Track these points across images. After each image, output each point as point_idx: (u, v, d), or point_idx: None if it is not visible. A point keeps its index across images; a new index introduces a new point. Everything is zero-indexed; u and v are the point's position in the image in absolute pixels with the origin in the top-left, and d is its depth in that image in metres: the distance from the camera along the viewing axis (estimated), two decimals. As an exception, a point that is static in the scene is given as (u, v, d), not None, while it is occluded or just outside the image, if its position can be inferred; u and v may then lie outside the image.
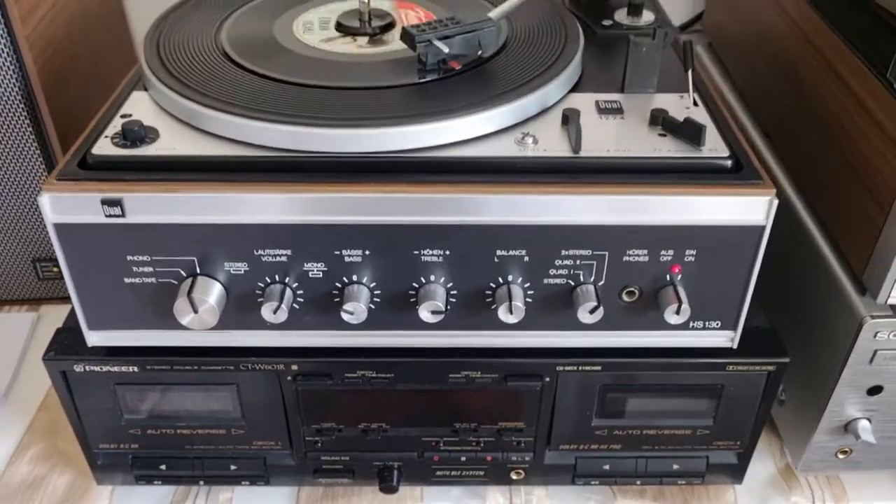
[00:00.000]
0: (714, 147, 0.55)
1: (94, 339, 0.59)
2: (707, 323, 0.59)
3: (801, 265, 0.68)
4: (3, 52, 0.70)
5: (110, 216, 0.53)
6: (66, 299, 0.84)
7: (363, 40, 0.66)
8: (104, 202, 0.52)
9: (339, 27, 0.66)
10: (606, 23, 0.72)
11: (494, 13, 0.62)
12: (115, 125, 0.56)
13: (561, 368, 0.61)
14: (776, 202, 0.53)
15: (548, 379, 0.61)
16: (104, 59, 0.93)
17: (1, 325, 0.84)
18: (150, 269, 0.55)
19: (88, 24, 0.88)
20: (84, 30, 0.86)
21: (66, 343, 0.61)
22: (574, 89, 0.62)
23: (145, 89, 0.61)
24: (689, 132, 0.55)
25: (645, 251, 0.55)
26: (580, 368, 0.61)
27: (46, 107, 0.74)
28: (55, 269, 0.83)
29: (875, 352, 0.60)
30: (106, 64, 0.93)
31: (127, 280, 0.56)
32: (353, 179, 0.53)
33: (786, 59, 0.74)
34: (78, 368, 0.60)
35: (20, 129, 0.74)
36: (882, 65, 0.58)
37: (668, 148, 0.55)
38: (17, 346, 0.81)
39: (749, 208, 0.53)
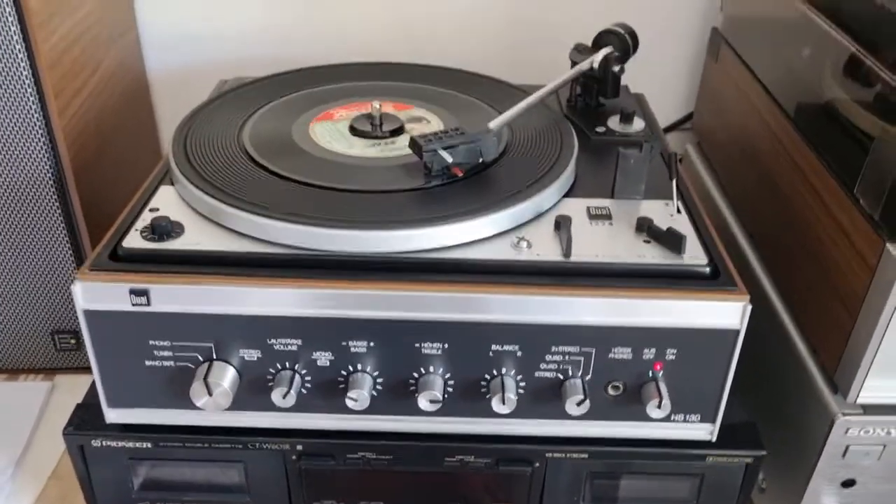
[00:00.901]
0: (694, 255, 0.59)
1: (112, 416, 0.63)
2: (687, 416, 0.62)
3: (778, 361, 0.71)
4: (40, 142, 0.75)
5: (136, 304, 0.57)
6: (80, 370, 0.88)
7: (374, 143, 0.70)
8: (132, 292, 0.56)
9: (353, 130, 0.72)
10: (600, 129, 0.76)
11: (495, 123, 0.67)
12: (145, 219, 0.61)
13: (550, 455, 0.63)
14: (749, 308, 0.57)
15: (537, 464, 0.64)
16: (130, 147, 0.98)
17: (16, 393, 0.87)
18: (170, 353, 0.59)
19: (117, 115, 0.93)
20: (113, 120, 0.92)
21: (85, 418, 0.64)
22: (568, 194, 0.66)
23: (172, 183, 0.66)
24: (671, 241, 0.59)
25: (629, 349, 0.59)
26: (568, 455, 0.64)
27: (76, 191, 0.79)
28: (72, 341, 0.86)
29: (847, 447, 0.63)
30: (131, 151, 0.98)
31: (147, 363, 0.60)
32: (360, 277, 0.57)
33: (766, 166, 0.79)
34: (95, 443, 0.63)
35: (50, 211, 0.79)
36: (851, 180, 0.62)
37: (651, 254, 0.59)
38: (32, 414, 0.83)
39: (724, 313, 0.57)
